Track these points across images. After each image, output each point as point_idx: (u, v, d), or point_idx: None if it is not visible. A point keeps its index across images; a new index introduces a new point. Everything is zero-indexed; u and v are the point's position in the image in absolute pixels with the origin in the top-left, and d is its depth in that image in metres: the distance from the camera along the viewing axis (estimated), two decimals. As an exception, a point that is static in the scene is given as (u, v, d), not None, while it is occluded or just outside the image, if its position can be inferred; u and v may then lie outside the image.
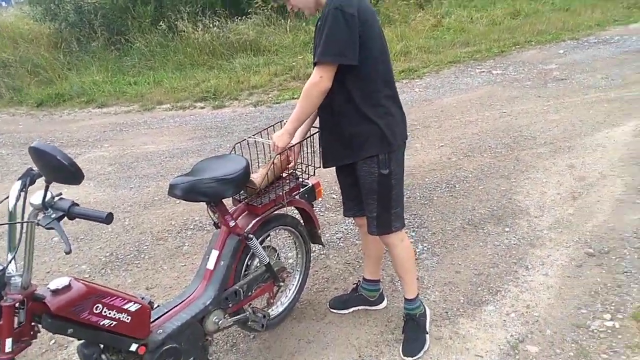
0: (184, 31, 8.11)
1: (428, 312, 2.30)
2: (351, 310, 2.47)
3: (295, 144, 2.14)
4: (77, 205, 1.51)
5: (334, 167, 2.22)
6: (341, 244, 3.07)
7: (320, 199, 2.65)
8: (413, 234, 3.09)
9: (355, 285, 2.54)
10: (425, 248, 2.94)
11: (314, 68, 1.89)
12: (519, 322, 2.29)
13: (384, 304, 2.49)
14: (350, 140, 1.98)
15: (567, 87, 5.52)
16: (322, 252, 2.98)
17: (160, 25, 8.21)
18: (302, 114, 1.89)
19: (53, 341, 2.45)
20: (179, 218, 3.55)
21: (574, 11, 9.22)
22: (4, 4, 17.60)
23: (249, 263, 2.29)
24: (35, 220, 1.47)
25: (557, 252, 2.78)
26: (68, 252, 1.42)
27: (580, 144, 4.09)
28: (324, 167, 2.19)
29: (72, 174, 1.41)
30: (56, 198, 1.50)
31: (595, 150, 3.94)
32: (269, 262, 2.23)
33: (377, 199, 2.02)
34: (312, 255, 2.73)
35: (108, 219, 1.49)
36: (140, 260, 3.08)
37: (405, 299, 2.26)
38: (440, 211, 3.31)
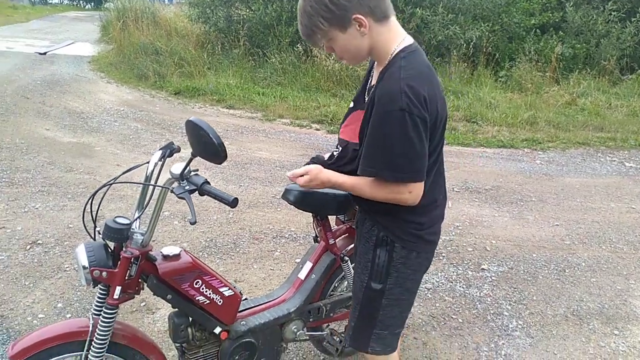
0: (317, 57, 8.48)
1: None
2: None
3: None
4: (209, 184, 1.60)
5: None
6: (429, 295, 2.95)
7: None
8: (509, 307, 2.89)
9: None
10: (520, 326, 2.73)
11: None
12: None
13: None
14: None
15: None
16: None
17: (297, 47, 8.66)
18: (356, 192, 1.51)
19: (143, 303, 2.60)
20: (277, 224, 3.65)
21: None
22: (166, 1, 19.68)
23: (337, 284, 2.27)
24: (170, 188, 1.56)
25: (673, 374, 2.45)
26: (193, 223, 1.46)
27: None
28: None
29: (217, 153, 1.45)
30: (192, 173, 1.59)
31: None
32: (357, 290, 2.19)
33: (359, 310, 1.66)
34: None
35: (234, 202, 1.54)
36: (235, 254, 3.20)
37: None
38: (543, 292, 3.07)
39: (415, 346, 2.51)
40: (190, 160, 1.53)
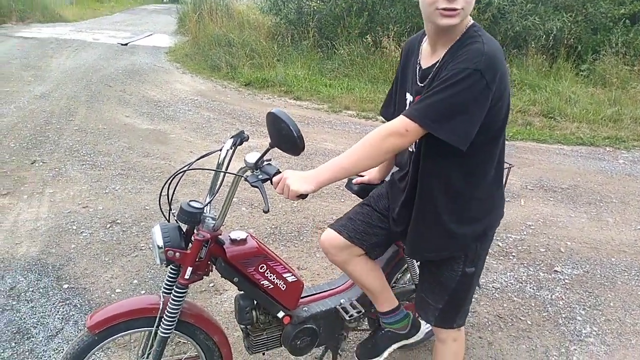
0: (386, 48, 8.36)
1: None
2: (385, 354, 2.02)
3: None
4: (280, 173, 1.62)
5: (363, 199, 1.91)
6: (496, 295, 2.85)
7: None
8: (583, 312, 2.73)
9: (376, 325, 2.11)
10: (594, 332, 2.57)
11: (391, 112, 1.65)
12: None
13: (423, 330, 2.08)
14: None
15: None
16: (473, 295, 2.79)
17: (366, 39, 8.59)
18: (354, 167, 1.40)
19: (212, 284, 2.71)
20: (340, 215, 3.65)
21: None
22: (239, -6, 20.14)
23: (399, 277, 2.26)
24: (244, 176, 1.57)
25: None
26: (266, 211, 1.47)
27: None
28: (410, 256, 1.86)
29: (296, 145, 1.46)
30: (265, 162, 1.59)
31: None
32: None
33: (449, 295, 1.66)
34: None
35: (303, 194, 1.55)
36: (298, 242, 3.25)
37: None
38: (622, 299, 2.87)
39: (480, 345, 2.44)
40: (267, 150, 1.54)
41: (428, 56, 1.50)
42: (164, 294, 1.69)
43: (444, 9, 1.32)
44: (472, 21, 1.42)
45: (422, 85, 1.48)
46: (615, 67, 8.13)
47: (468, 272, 1.61)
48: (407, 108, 1.56)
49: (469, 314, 2.62)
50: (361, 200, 2.02)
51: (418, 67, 1.52)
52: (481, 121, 1.34)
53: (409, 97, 1.57)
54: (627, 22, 8.62)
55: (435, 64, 1.44)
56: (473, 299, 2.74)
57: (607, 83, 7.99)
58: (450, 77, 1.30)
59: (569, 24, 8.25)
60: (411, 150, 1.56)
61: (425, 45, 1.53)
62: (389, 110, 1.75)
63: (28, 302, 2.59)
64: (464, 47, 1.36)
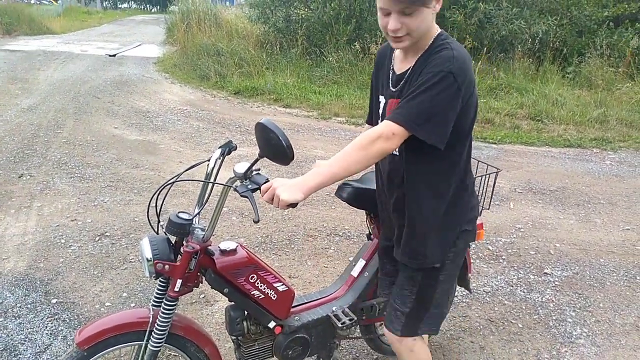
0: (374, 55, 8.41)
1: None
2: None
3: None
4: None
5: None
6: (487, 299, 2.86)
7: (480, 241, 2.51)
8: (573, 313, 2.75)
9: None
10: (585, 334, 2.59)
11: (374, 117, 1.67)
12: None
13: None
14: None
15: None
16: (464, 300, 2.81)
17: (355, 45, 8.64)
18: (344, 172, 1.40)
19: (202, 295, 2.69)
20: (331, 222, 3.67)
21: None
22: (228, 3, 20.23)
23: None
24: (233, 186, 1.57)
25: None
26: (256, 222, 1.48)
27: None
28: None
29: (285, 155, 1.45)
30: (254, 172, 1.59)
31: None
32: (411, 290, 2.16)
33: (416, 294, 1.65)
34: (454, 299, 2.58)
35: (293, 203, 1.55)
36: (290, 250, 3.25)
37: None
38: (611, 299, 2.90)
39: (472, 350, 2.44)
40: (256, 160, 1.55)
41: (400, 62, 1.56)
42: (154, 307, 1.68)
43: (392, 36, 1.43)
44: (439, 30, 1.49)
45: (395, 90, 1.55)
46: (600, 69, 8.24)
47: (434, 266, 1.62)
48: (381, 111, 1.63)
49: (461, 318, 2.64)
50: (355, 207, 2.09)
51: (392, 72, 1.59)
52: (454, 121, 1.41)
53: (382, 100, 1.63)
54: (610, 25, 8.76)
55: (408, 70, 1.51)
56: (464, 303, 2.77)
57: (593, 85, 8.10)
58: (426, 81, 1.38)
59: (554, 27, 8.36)
60: (396, 154, 1.58)
61: (397, 52, 1.59)
62: (371, 118, 1.80)
63: (15, 318, 2.56)
64: (434, 54, 1.43)
